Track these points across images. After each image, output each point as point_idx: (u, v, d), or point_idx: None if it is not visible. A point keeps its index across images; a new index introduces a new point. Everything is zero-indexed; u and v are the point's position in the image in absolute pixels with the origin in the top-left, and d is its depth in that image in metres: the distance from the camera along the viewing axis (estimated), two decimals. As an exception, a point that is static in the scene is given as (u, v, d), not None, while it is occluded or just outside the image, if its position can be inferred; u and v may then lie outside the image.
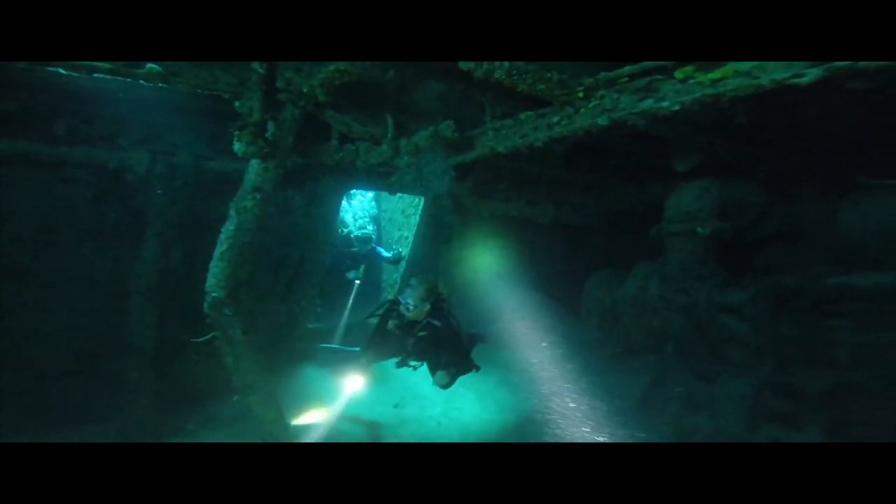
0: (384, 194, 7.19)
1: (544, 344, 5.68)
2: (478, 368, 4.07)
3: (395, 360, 3.92)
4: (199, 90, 3.12)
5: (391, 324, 3.77)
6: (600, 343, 5.19)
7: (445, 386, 3.77)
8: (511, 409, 5.78)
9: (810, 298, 4.03)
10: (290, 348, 5.17)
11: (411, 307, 3.56)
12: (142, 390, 4.24)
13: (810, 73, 1.83)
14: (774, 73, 1.95)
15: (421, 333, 3.60)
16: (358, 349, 3.79)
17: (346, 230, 7.33)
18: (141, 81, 2.81)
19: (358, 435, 4.98)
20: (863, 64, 1.70)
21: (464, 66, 2.60)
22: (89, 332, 4.27)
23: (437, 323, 3.54)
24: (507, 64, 2.56)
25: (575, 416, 5.05)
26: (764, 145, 4.35)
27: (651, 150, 4.70)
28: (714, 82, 2.17)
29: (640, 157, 5.02)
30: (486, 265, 6.68)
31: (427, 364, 3.87)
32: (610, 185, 6.11)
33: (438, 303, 3.70)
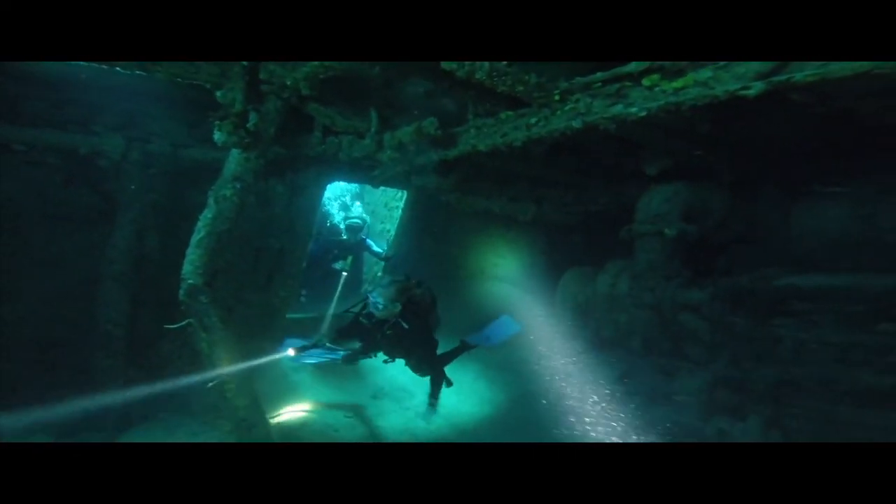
0: (367, 187, 7.22)
1: (521, 339, 5.84)
2: (450, 384, 4.15)
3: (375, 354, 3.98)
4: (178, 79, 3.10)
5: (362, 320, 3.80)
6: (573, 337, 5.39)
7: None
8: (488, 402, 5.94)
9: (762, 298, 4.30)
10: (269, 338, 5.17)
11: (380, 306, 3.59)
12: (112, 379, 4.19)
13: (755, 86, 2.00)
14: (727, 84, 2.12)
15: (388, 332, 3.63)
16: (318, 340, 3.81)
17: (335, 219, 7.22)
18: (117, 69, 2.79)
19: (337, 424, 5.05)
20: (799, 78, 1.87)
21: (446, 66, 2.69)
22: (57, 319, 4.18)
23: (405, 325, 3.56)
24: (487, 65, 2.66)
25: (552, 412, 5.24)
26: (728, 151, 4.60)
27: (627, 153, 4.91)
28: (676, 91, 2.33)
29: (618, 159, 5.22)
30: (468, 261, 6.80)
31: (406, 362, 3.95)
32: (588, 185, 6.31)
33: (411, 304, 3.71)
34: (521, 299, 6.48)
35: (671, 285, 4.57)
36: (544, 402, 5.17)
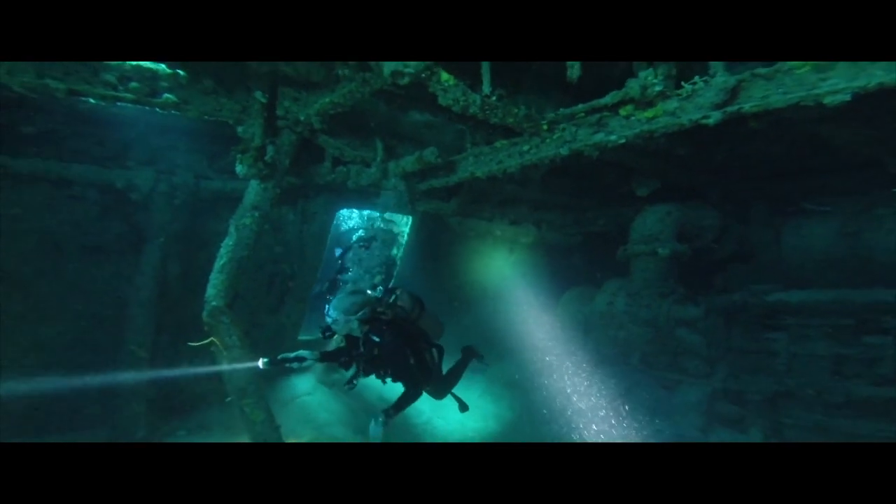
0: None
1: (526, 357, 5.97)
2: (465, 408, 3.86)
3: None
4: (206, 116, 3.47)
5: (336, 338, 3.46)
6: (574, 354, 5.52)
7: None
8: (494, 417, 6.03)
9: (754, 313, 4.44)
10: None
11: (334, 320, 3.26)
12: (136, 398, 4.41)
13: (713, 115, 2.27)
14: (691, 113, 2.39)
15: (362, 349, 3.32)
16: (309, 353, 3.46)
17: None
18: (157, 109, 3.16)
19: (346, 440, 5.17)
20: (747, 108, 2.14)
21: (443, 101, 3.01)
22: (88, 342, 4.45)
23: (375, 338, 3.25)
24: (479, 99, 2.98)
25: (556, 427, 5.31)
26: (715, 173, 4.85)
27: (621, 177, 5.18)
28: (649, 119, 2.60)
29: (614, 183, 5.50)
30: (473, 283, 7.00)
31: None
32: (587, 208, 6.57)
33: (383, 315, 3.36)
34: (523, 319, 6.63)
35: (666, 302, 4.73)
36: (545, 412, 5.24)
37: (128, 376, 4.33)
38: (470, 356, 4.19)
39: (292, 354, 3.38)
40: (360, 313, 3.18)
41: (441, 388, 3.79)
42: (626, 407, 4.99)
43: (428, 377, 3.51)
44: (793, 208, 5.21)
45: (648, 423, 4.68)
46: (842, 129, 3.19)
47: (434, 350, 3.64)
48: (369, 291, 3.49)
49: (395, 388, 3.48)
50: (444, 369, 3.94)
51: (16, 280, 4.11)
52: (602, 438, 4.76)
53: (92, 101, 3.01)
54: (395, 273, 6.58)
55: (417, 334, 3.50)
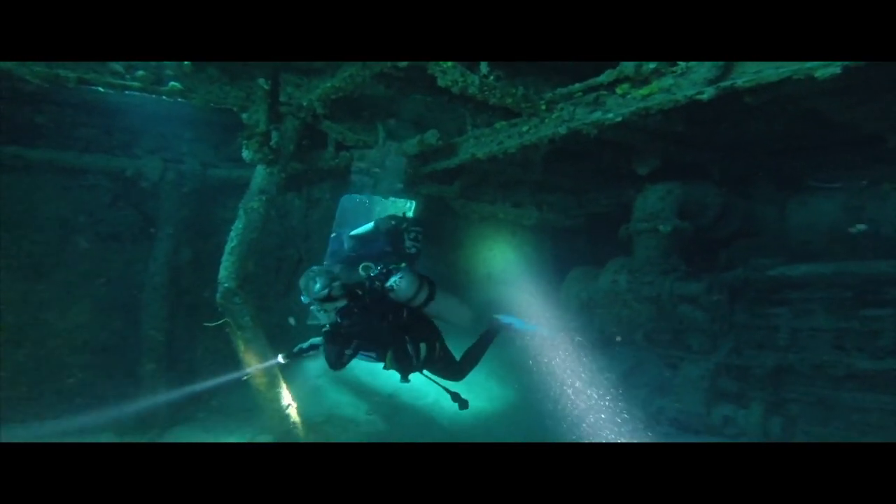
0: (379, 199, 7.62)
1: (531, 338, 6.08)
2: (465, 405, 3.63)
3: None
4: (211, 104, 3.55)
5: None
6: (579, 334, 5.61)
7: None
8: (499, 399, 6.19)
9: (757, 288, 4.48)
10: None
11: (303, 298, 3.20)
12: (156, 381, 4.60)
13: (707, 91, 2.29)
14: (686, 89, 2.41)
15: (342, 330, 3.18)
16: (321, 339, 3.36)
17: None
18: (163, 97, 3.24)
19: (358, 419, 5.37)
20: (741, 83, 2.16)
21: (441, 82, 3.05)
22: (105, 328, 4.63)
23: (339, 319, 3.13)
24: (477, 80, 3.01)
25: (561, 407, 5.44)
26: (716, 150, 4.84)
27: (622, 156, 5.19)
28: (644, 97, 2.63)
29: (615, 162, 5.51)
30: (476, 266, 7.08)
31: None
32: (589, 189, 6.59)
33: (361, 294, 3.24)
34: (528, 301, 6.72)
35: (669, 278, 4.78)
36: (551, 394, 5.37)
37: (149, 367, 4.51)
38: (490, 337, 3.98)
39: (306, 344, 3.44)
40: (318, 293, 3.06)
41: (455, 372, 3.70)
42: (626, 387, 5.08)
43: (406, 366, 3.36)
44: (797, 185, 5.19)
45: (652, 402, 4.79)
46: (842, 105, 3.18)
47: (429, 340, 3.45)
48: (336, 272, 3.34)
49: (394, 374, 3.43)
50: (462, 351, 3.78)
51: (38, 269, 4.27)
52: (603, 419, 4.88)
53: (101, 89, 3.10)
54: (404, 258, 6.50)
55: (412, 322, 3.33)
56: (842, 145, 4.76)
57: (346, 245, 5.68)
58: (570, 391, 5.22)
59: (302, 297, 3.24)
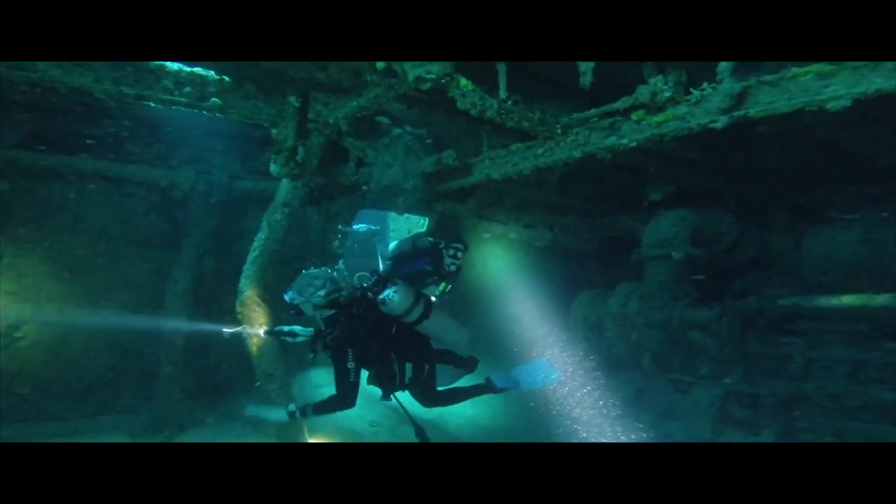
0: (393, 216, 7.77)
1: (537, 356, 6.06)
2: (425, 438, 3.16)
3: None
4: (245, 119, 3.75)
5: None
6: (586, 355, 5.59)
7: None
8: (504, 415, 6.13)
9: (769, 318, 4.44)
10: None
11: (296, 300, 3.08)
12: (173, 384, 4.71)
13: (721, 120, 2.38)
14: (699, 118, 2.50)
15: (327, 340, 3.01)
16: (301, 329, 3.32)
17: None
18: (203, 112, 3.45)
19: (363, 432, 5.36)
20: (753, 113, 2.24)
21: (461, 105, 3.19)
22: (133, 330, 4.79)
23: (323, 328, 3.02)
24: (496, 104, 3.15)
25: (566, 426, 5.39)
26: (732, 178, 4.88)
27: (638, 182, 5.26)
28: (659, 124, 2.73)
29: (630, 187, 5.57)
30: (487, 285, 7.11)
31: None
32: (603, 212, 6.65)
33: (340, 308, 3.06)
34: (538, 322, 6.71)
35: (679, 305, 4.78)
36: (555, 412, 5.32)
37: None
38: (483, 392, 3.72)
39: (286, 328, 3.41)
40: (309, 295, 2.97)
41: (429, 398, 3.44)
42: (633, 410, 5.01)
43: (389, 386, 3.13)
44: (814, 215, 5.17)
45: (658, 427, 4.72)
46: (857, 136, 3.23)
47: (417, 361, 3.23)
48: (334, 274, 3.20)
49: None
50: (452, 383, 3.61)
51: (76, 272, 4.47)
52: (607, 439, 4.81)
53: (153, 104, 3.34)
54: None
55: (401, 339, 3.12)
56: (860, 176, 4.77)
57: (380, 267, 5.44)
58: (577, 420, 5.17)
59: (287, 295, 3.12)
